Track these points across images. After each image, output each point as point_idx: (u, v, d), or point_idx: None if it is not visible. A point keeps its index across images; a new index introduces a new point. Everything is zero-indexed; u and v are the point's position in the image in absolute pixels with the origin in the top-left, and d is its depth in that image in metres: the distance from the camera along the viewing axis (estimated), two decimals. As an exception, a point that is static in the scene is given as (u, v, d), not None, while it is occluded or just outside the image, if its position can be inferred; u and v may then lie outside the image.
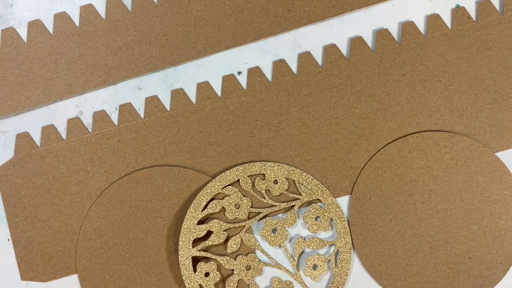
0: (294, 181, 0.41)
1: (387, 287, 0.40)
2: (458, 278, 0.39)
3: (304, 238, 0.40)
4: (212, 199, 0.41)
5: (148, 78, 0.43)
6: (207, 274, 0.39)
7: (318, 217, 0.40)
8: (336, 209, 0.40)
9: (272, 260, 0.40)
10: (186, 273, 0.39)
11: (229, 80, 0.43)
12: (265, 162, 0.41)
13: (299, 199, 0.40)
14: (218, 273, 0.39)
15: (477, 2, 0.43)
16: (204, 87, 0.43)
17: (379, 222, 0.40)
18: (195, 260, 0.40)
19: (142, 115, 0.42)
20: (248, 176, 0.41)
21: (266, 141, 0.42)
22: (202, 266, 0.39)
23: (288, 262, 0.40)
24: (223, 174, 0.41)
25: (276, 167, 0.41)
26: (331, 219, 0.40)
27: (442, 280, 0.39)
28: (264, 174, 0.41)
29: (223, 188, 0.41)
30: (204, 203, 0.40)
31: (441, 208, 0.40)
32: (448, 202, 0.40)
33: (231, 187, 0.41)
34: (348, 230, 0.40)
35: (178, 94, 0.43)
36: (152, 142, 0.42)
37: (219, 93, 0.43)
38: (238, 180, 0.41)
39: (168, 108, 0.42)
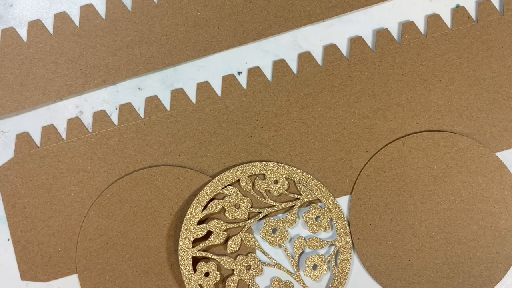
0: (294, 181, 0.41)
1: (387, 287, 0.39)
2: (458, 278, 0.39)
3: (304, 238, 0.40)
4: (212, 199, 0.41)
5: (148, 78, 0.43)
6: (207, 274, 0.39)
7: (318, 217, 0.40)
8: (336, 209, 0.40)
9: (272, 260, 0.40)
10: (186, 273, 0.39)
11: (229, 80, 0.43)
12: (265, 162, 0.41)
13: (299, 199, 0.40)
14: (218, 273, 0.39)
15: (477, 2, 0.43)
16: (204, 87, 0.43)
17: (379, 222, 0.40)
18: (195, 260, 0.40)
19: (142, 115, 0.42)
20: (248, 176, 0.41)
21: (266, 141, 0.42)
22: (202, 266, 0.39)
23: (288, 262, 0.40)
24: (223, 174, 0.41)
25: (276, 167, 0.41)
26: (331, 219, 0.40)
27: (442, 280, 0.39)
28: (264, 174, 0.41)
29: (223, 188, 0.40)
30: (204, 203, 0.40)
31: (441, 208, 0.40)
32: (448, 202, 0.40)
33: (231, 187, 0.40)
34: (348, 230, 0.40)
35: (178, 94, 0.43)
36: (152, 142, 0.42)
37: (219, 93, 0.43)
38: (238, 180, 0.41)
39: (168, 108, 0.42)
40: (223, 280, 0.40)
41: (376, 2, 0.43)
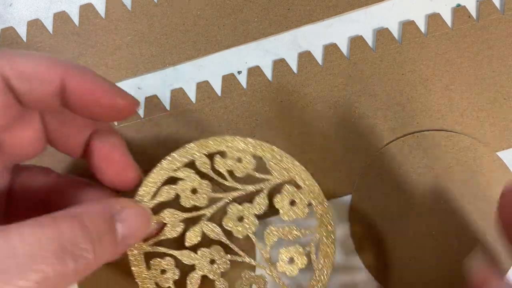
0: (262, 158, 0.34)
1: (387, 287, 0.39)
2: (458, 277, 0.39)
3: (277, 226, 0.34)
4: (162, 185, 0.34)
5: (148, 78, 0.43)
6: (163, 271, 0.33)
7: (293, 201, 0.34)
8: (315, 191, 0.34)
9: (239, 253, 0.34)
10: (139, 271, 0.33)
11: (229, 80, 0.43)
12: (224, 136, 0.34)
13: (269, 180, 0.34)
14: (177, 269, 0.34)
15: (478, 1, 0.43)
16: (204, 87, 0.43)
17: (379, 222, 0.40)
18: (149, 256, 0.34)
19: (142, 115, 0.42)
20: (205, 154, 0.34)
21: (266, 141, 0.42)
22: (157, 263, 0.33)
23: (259, 255, 0.36)
24: (173, 153, 0.34)
25: (239, 142, 0.34)
26: (309, 204, 0.34)
27: (441, 279, 0.39)
28: (225, 152, 0.34)
29: (175, 171, 0.34)
30: (154, 190, 0.34)
31: (441, 207, 0.40)
32: (448, 201, 0.40)
33: (184, 168, 0.34)
34: (330, 216, 0.34)
35: (178, 94, 0.43)
36: (152, 142, 0.42)
37: (219, 92, 0.43)
38: (193, 161, 0.34)
39: (168, 108, 0.42)
40: (185, 276, 0.34)
41: (376, 1, 0.43)
